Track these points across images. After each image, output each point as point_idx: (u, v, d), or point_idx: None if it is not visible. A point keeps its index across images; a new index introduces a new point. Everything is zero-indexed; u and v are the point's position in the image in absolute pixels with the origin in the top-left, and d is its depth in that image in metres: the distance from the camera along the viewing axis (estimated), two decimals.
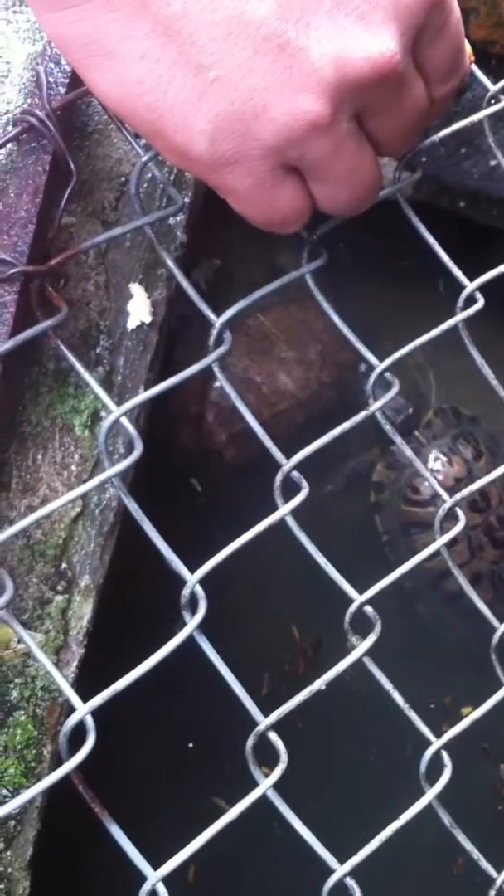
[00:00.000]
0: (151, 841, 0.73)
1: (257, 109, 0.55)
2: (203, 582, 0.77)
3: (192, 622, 0.77)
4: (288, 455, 0.83)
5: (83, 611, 0.87)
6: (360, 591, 0.84)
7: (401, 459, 1.52)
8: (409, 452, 0.95)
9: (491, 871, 0.83)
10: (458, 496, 0.94)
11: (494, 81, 1.02)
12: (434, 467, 1.49)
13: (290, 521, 0.83)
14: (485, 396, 0.97)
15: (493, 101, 1.03)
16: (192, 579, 0.77)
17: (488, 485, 1.55)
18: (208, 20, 0.53)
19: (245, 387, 1.47)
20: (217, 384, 1.45)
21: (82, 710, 0.69)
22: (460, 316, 0.94)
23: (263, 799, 0.75)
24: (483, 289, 0.94)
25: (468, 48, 0.75)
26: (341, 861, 0.77)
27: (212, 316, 0.81)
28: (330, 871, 0.77)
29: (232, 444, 1.44)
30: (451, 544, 1.42)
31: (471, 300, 0.95)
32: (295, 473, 0.84)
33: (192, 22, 0.53)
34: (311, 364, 1.52)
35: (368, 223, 0.99)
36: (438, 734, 0.84)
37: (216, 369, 0.82)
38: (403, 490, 1.48)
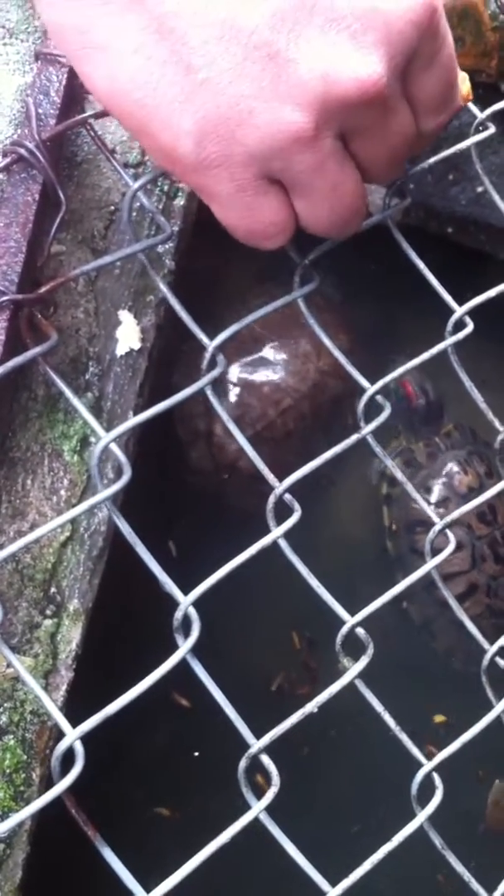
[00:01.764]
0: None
1: (243, 115, 0.55)
2: (197, 604, 0.77)
3: (185, 645, 0.77)
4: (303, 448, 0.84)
5: (72, 635, 0.88)
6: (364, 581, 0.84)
7: (419, 458, 1.53)
8: (399, 476, 0.96)
9: (482, 892, 0.83)
10: (449, 518, 0.94)
11: (481, 109, 1.03)
12: (450, 472, 1.51)
13: (283, 544, 0.84)
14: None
15: (480, 129, 1.04)
16: (186, 601, 0.77)
17: (497, 502, 1.58)
18: (201, 22, 0.53)
19: (247, 392, 1.48)
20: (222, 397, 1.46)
21: (72, 736, 0.69)
22: (450, 340, 0.95)
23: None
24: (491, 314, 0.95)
25: (466, 86, 0.75)
26: (333, 883, 0.77)
27: (205, 339, 0.82)
28: (322, 894, 0.77)
29: (243, 453, 1.45)
30: (456, 549, 1.43)
31: (460, 325, 0.96)
32: (287, 496, 0.84)
33: (186, 22, 0.54)
34: (307, 356, 1.52)
35: (362, 248, 1.00)
36: (425, 750, 0.84)
37: (209, 392, 0.83)
38: (417, 489, 1.49)
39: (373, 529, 1.56)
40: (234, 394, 1.49)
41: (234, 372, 1.49)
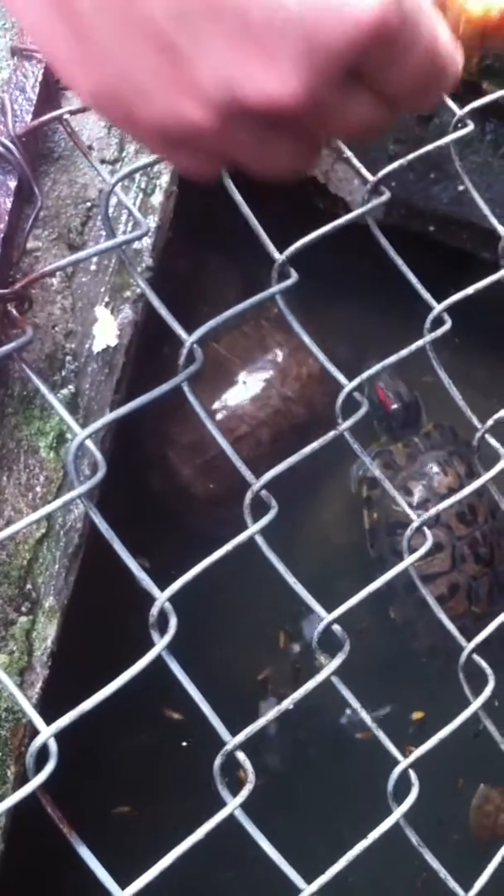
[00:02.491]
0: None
1: (138, 95, 0.52)
2: (174, 600, 0.77)
3: (162, 642, 0.76)
4: (259, 474, 0.84)
5: (47, 632, 0.87)
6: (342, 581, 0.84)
7: (398, 460, 1.53)
8: (378, 474, 0.96)
9: (459, 890, 0.83)
10: (426, 515, 0.95)
11: (461, 107, 1.03)
12: (429, 472, 1.50)
13: (259, 540, 0.84)
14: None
15: (459, 126, 1.04)
16: (162, 597, 0.77)
17: (477, 502, 1.58)
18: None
19: (201, 419, 1.45)
20: (178, 417, 1.45)
21: (46, 733, 0.69)
22: (428, 337, 0.95)
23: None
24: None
25: (457, 62, 0.69)
26: (308, 880, 0.77)
27: (183, 334, 0.82)
28: (297, 891, 0.77)
29: (198, 477, 1.43)
30: (435, 550, 1.44)
31: (438, 322, 0.96)
32: (264, 493, 0.84)
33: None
34: (270, 381, 1.50)
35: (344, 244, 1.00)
36: (402, 748, 0.84)
37: (186, 388, 0.82)
38: (396, 490, 1.49)
39: (353, 533, 1.56)
40: (190, 420, 1.46)
41: (191, 397, 1.47)
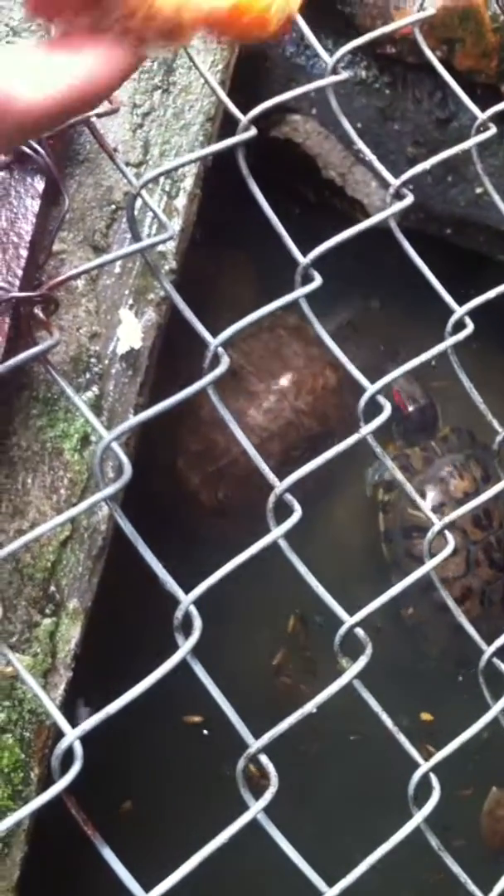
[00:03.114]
0: None
1: None
2: (198, 604, 0.77)
3: (186, 645, 0.76)
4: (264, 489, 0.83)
5: (71, 634, 0.88)
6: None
7: (414, 464, 1.53)
8: (399, 476, 0.96)
9: (478, 893, 0.83)
10: (447, 519, 0.95)
11: (482, 110, 1.03)
12: (445, 477, 1.50)
13: (283, 544, 0.84)
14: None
15: (481, 129, 1.04)
16: (187, 600, 0.77)
17: (493, 506, 1.58)
18: None
19: (213, 427, 1.45)
20: (189, 425, 1.44)
21: (72, 736, 0.69)
22: (450, 341, 0.95)
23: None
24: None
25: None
26: (330, 884, 0.77)
27: (208, 337, 0.82)
28: (319, 894, 0.77)
29: (205, 486, 1.43)
30: (451, 554, 1.43)
31: (460, 325, 0.95)
32: (287, 496, 0.84)
33: None
34: (284, 393, 1.50)
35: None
36: (421, 750, 0.84)
37: (211, 392, 0.82)
38: (412, 498, 1.49)
39: (366, 537, 1.56)
40: (200, 428, 1.48)
41: (206, 405, 1.46)
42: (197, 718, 1.37)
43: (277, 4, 0.61)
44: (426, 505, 1.48)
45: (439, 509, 1.48)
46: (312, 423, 1.50)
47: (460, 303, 0.95)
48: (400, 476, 0.97)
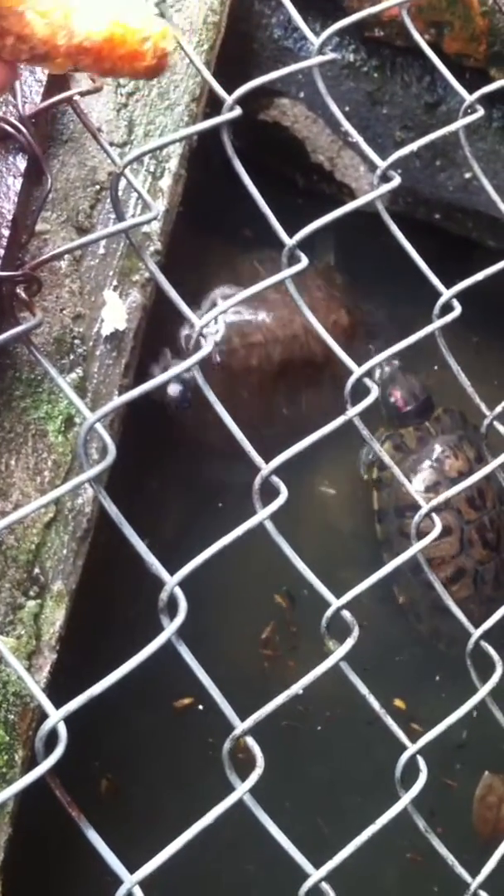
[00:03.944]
0: None
1: None
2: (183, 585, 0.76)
3: (171, 626, 0.76)
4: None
5: (56, 616, 0.87)
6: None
7: (408, 443, 1.53)
8: (387, 459, 0.96)
9: (466, 876, 0.83)
10: (435, 501, 0.94)
11: (470, 93, 1.03)
12: (440, 457, 1.51)
13: (269, 526, 0.83)
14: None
15: (469, 111, 1.03)
16: (172, 581, 0.76)
17: (486, 487, 1.58)
18: None
19: (223, 316, 1.47)
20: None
21: (55, 717, 0.69)
22: (437, 323, 0.95)
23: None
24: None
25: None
26: (317, 866, 0.77)
27: (193, 318, 0.81)
28: (305, 876, 0.76)
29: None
30: (443, 534, 1.43)
31: (447, 308, 0.95)
32: (274, 478, 0.83)
33: None
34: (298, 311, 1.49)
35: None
36: (408, 733, 0.84)
37: (197, 374, 0.82)
38: (406, 474, 1.49)
39: (358, 517, 1.56)
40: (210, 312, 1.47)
41: (219, 292, 1.48)
42: (186, 701, 1.37)
43: (153, 40, 0.61)
44: (420, 485, 1.49)
45: (434, 488, 1.48)
46: (317, 348, 1.50)
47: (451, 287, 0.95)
48: (388, 460, 0.96)
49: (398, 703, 1.40)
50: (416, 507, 0.92)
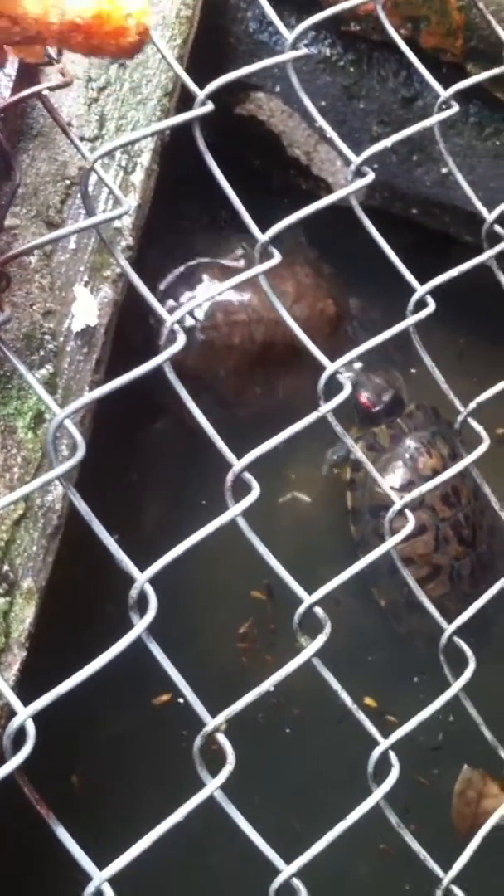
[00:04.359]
0: None
1: None
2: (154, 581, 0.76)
3: (141, 624, 0.76)
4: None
5: (25, 613, 0.87)
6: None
7: (382, 442, 1.53)
8: (360, 455, 0.96)
9: (438, 871, 0.83)
10: (407, 498, 0.94)
11: (445, 88, 1.02)
12: (413, 455, 1.51)
13: (241, 522, 0.83)
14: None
15: (443, 107, 1.03)
16: (142, 578, 0.76)
17: (460, 483, 1.58)
18: None
19: (204, 285, 1.48)
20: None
21: (24, 714, 0.69)
22: (411, 319, 0.95)
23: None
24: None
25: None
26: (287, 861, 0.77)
27: (164, 314, 0.81)
28: (276, 872, 0.76)
29: None
30: (418, 533, 1.44)
31: (421, 304, 0.95)
32: (246, 475, 0.83)
33: None
34: (284, 294, 1.49)
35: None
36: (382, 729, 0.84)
37: (167, 369, 0.81)
38: (380, 472, 1.49)
39: (333, 516, 1.56)
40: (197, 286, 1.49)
41: (207, 271, 1.51)
42: (165, 697, 1.37)
43: (135, 16, 0.62)
44: (394, 483, 1.50)
45: (408, 487, 1.48)
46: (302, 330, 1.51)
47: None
48: (361, 455, 0.96)
49: (368, 700, 1.40)
50: (390, 507, 0.92)
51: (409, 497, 0.95)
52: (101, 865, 0.71)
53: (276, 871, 0.76)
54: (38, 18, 0.57)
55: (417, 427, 1.56)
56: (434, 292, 0.94)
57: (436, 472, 1.47)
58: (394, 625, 1.52)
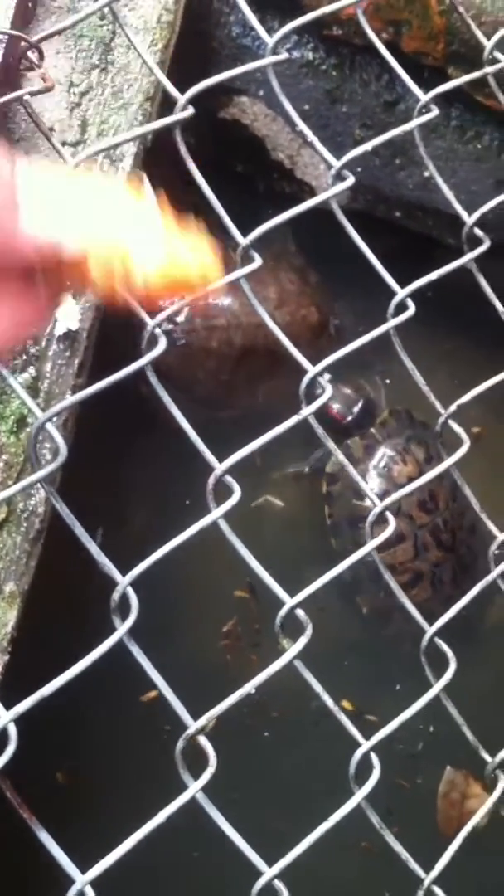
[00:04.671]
0: None
1: None
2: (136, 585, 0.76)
3: (123, 627, 0.76)
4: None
5: (7, 617, 0.87)
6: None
7: (355, 453, 1.53)
8: (341, 458, 0.96)
9: (419, 871, 0.84)
10: (387, 501, 0.95)
11: (426, 92, 1.03)
12: (388, 464, 1.50)
13: (223, 525, 0.83)
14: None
15: (424, 111, 1.03)
16: (124, 582, 0.77)
17: (438, 487, 1.58)
18: None
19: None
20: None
21: (5, 718, 0.69)
22: (391, 323, 0.95)
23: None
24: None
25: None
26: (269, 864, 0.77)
27: (146, 318, 0.82)
28: (259, 874, 0.77)
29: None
30: (397, 541, 1.43)
31: (402, 307, 0.95)
32: (227, 478, 0.83)
33: None
34: (266, 300, 1.50)
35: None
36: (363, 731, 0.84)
37: (149, 373, 0.82)
38: (355, 484, 1.49)
39: (316, 522, 1.56)
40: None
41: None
42: (153, 694, 1.37)
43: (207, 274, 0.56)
44: (365, 490, 1.49)
45: (383, 497, 1.48)
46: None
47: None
48: (342, 457, 0.97)
49: (346, 703, 1.40)
50: (368, 517, 0.93)
51: (389, 500, 0.95)
52: (85, 867, 0.71)
53: (259, 873, 0.77)
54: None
55: (391, 434, 1.55)
56: (415, 295, 0.94)
57: (411, 479, 1.47)
58: (382, 628, 1.52)
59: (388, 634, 1.52)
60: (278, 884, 0.77)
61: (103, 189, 0.51)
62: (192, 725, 0.77)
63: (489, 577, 0.98)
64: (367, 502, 0.94)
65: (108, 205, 0.50)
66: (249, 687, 0.80)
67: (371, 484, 1.51)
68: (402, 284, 0.94)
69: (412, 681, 0.89)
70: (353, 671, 1.48)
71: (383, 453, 1.53)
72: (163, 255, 0.50)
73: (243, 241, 0.87)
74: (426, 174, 1.49)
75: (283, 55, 0.94)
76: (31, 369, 0.92)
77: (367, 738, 0.84)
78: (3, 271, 0.47)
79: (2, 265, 0.47)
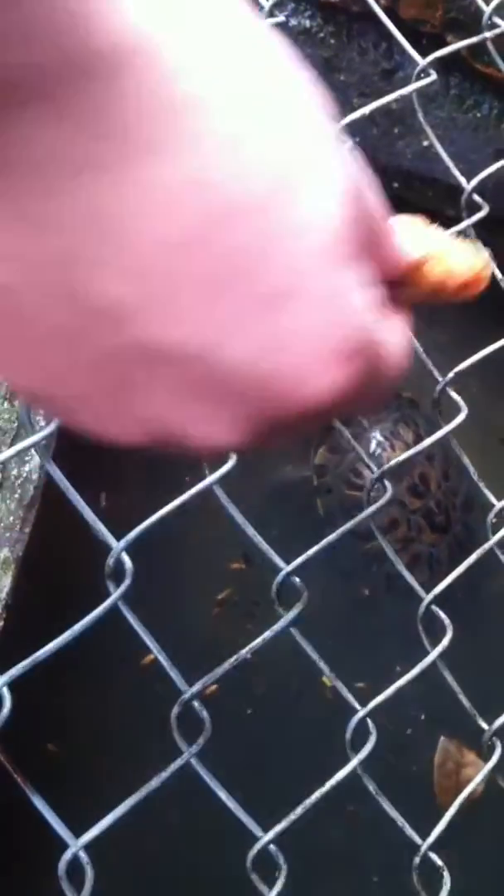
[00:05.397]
0: None
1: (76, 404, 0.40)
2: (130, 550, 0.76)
3: (117, 592, 0.76)
4: None
5: (2, 584, 0.86)
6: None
7: (343, 444, 1.51)
8: (346, 434, 0.96)
9: (416, 838, 0.84)
10: (385, 467, 0.95)
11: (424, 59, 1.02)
12: (376, 451, 1.49)
13: (219, 491, 0.83)
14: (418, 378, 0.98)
15: (422, 76, 1.03)
16: (118, 547, 0.77)
17: (428, 468, 1.57)
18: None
19: None
20: None
21: None
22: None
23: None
24: None
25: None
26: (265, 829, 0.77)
27: None
28: (255, 839, 0.77)
29: None
30: (392, 527, 1.43)
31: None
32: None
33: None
34: None
35: None
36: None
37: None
38: (346, 474, 1.48)
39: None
40: None
41: None
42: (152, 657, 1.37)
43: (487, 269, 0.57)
44: (362, 483, 1.48)
45: (378, 484, 1.47)
46: None
47: None
48: (343, 429, 0.97)
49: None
50: (363, 506, 0.93)
51: (387, 466, 0.96)
52: (79, 832, 0.71)
53: (255, 838, 0.77)
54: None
55: (379, 419, 1.53)
56: None
57: (401, 465, 1.46)
58: (381, 613, 1.51)
59: (391, 614, 1.51)
60: (273, 848, 0.77)
61: None
62: (188, 690, 0.77)
63: (485, 546, 0.99)
64: (361, 493, 0.95)
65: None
66: (245, 652, 0.80)
67: (362, 474, 1.49)
68: None
69: (411, 666, 0.89)
70: (352, 653, 1.48)
71: (371, 439, 1.51)
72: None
73: None
74: (425, 143, 1.48)
75: (280, 17, 0.94)
76: None
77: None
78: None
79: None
